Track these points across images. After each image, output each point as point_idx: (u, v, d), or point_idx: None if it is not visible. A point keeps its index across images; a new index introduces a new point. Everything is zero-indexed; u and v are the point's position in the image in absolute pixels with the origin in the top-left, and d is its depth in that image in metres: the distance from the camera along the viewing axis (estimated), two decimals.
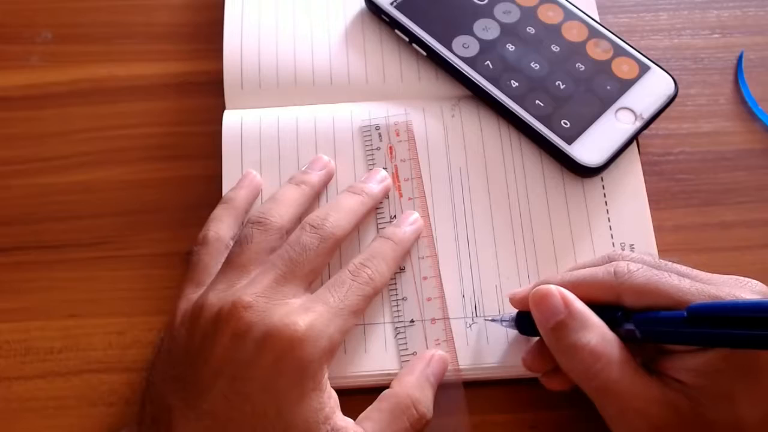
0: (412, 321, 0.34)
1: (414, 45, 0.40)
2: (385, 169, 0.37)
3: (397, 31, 0.40)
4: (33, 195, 0.39)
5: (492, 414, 0.34)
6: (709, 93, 0.42)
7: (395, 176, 0.37)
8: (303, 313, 0.30)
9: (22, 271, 0.37)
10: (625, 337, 0.30)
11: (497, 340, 0.34)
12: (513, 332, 0.34)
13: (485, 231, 0.36)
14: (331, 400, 0.30)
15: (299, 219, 0.35)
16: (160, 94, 0.41)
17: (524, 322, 0.33)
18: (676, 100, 0.39)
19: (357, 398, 0.32)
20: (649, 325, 0.29)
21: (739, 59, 0.42)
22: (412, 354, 0.34)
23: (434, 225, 0.36)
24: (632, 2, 0.44)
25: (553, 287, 0.30)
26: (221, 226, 0.35)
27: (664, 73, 0.39)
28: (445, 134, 0.38)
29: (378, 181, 0.37)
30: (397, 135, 0.38)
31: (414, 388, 0.32)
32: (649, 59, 0.39)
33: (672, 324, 0.28)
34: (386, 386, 0.32)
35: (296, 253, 0.32)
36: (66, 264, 0.37)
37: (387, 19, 0.41)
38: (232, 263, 0.33)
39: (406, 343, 0.34)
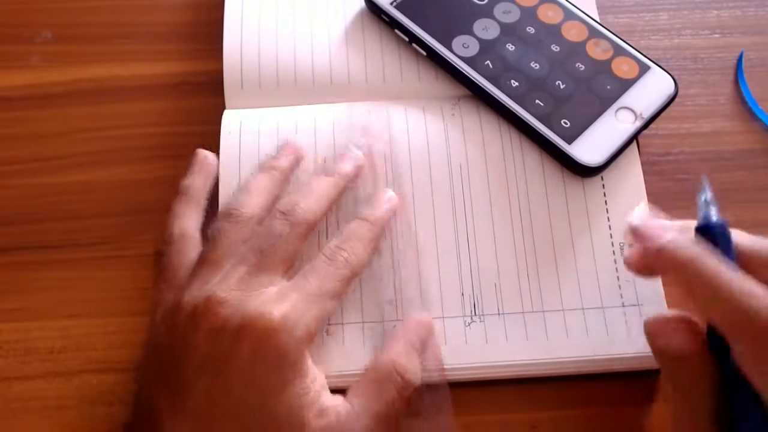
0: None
1: (414, 45, 0.40)
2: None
3: (397, 31, 0.40)
4: (33, 195, 0.39)
5: (492, 414, 0.34)
6: (709, 93, 0.42)
7: (372, 161, 0.37)
8: (278, 302, 0.30)
9: (22, 271, 0.37)
10: None
11: (496, 338, 0.34)
12: (512, 331, 0.34)
13: (485, 230, 0.36)
14: (316, 383, 0.30)
15: (272, 205, 0.34)
16: (160, 94, 0.41)
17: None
18: (676, 100, 0.39)
19: None
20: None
21: (739, 59, 0.42)
22: None
23: (434, 224, 0.36)
24: (632, 2, 0.44)
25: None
26: (183, 221, 0.35)
27: (664, 73, 0.39)
28: (445, 134, 0.38)
29: (350, 160, 0.36)
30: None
31: (398, 355, 0.32)
32: (649, 59, 0.39)
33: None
34: None
35: (267, 242, 0.32)
36: (66, 264, 0.37)
37: (387, 19, 0.41)
38: (205, 260, 0.32)
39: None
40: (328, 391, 0.31)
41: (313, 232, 0.34)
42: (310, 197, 0.34)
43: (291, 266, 0.33)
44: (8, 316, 0.36)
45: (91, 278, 0.37)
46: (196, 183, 0.36)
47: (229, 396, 0.29)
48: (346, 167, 0.36)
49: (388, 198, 0.36)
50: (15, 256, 0.37)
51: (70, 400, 0.34)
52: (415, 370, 0.32)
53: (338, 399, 0.30)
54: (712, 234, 0.29)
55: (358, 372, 0.32)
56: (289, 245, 0.32)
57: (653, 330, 0.29)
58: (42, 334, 0.36)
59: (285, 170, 0.36)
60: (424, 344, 0.33)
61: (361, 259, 0.33)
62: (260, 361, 0.29)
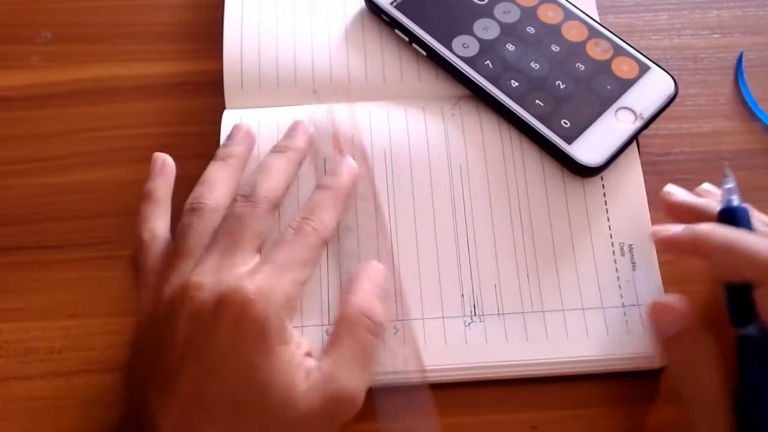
0: None
1: (414, 45, 0.40)
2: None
3: (397, 31, 0.40)
4: (33, 195, 0.39)
5: (492, 414, 0.34)
6: (709, 93, 0.42)
7: (336, 138, 0.38)
8: (251, 276, 0.31)
9: (22, 271, 0.37)
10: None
11: (496, 338, 0.34)
12: (512, 331, 0.34)
13: (485, 230, 0.36)
14: (301, 348, 0.31)
15: (233, 192, 0.35)
16: (160, 94, 0.41)
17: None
18: (676, 100, 0.39)
19: None
20: None
21: (739, 59, 0.42)
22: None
23: (434, 224, 0.36)
24: (632, 2, 0.44)
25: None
26: (152, 224, 0.35)
27: (664, 73, 0.39)
28: (445, 134, 0.38)
29: (301, 132, 0.37)
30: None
31: (360, 301, 0.32)
32: (649, 59, 0.39)
33: None
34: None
35: (233, 225, 0.33)
36: (66, 264, 0.37)
37: (387, 19, 0.41)
38: (177, 253, 0.33)
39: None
40: (312, 356, 0.31)
41: (277, 208, 0.35)
42: (267, 176, 0.35)
43: (261, 245, 0.33)
44: (8, 316, 0.36)
45: (91, 278, 0.37)
46: (159, 185, 0.36)
47: (215, 375, 0.29)
48: (297, 140, 0.37)
49: (348, 165, 0.36)
50: (15, 256, 0.37)
51: (70, 400, 0.34)
52: (379, 312, 0.32)
53: (321, 358, 0.31)
54: (735, 218, 0.32)
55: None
56: (256, 225, 0.33)
57: (652, 310, 0.32)
58: (42, 334, 0.36)
59: (240, 156, 0.36)
60: (381, 287, 0.33)
61: (328, 225, 0.34)
62: (242, 334, 0.29)
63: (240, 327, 0.29)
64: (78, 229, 0.38)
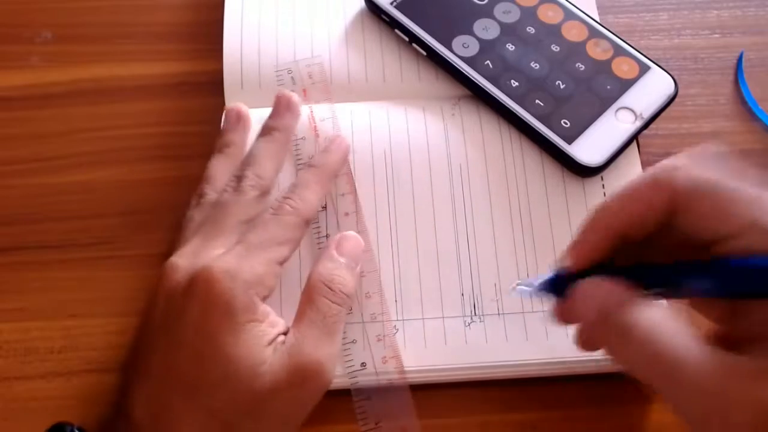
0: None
1: (414, 45, 0.40)
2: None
3: (397, 31, 0.40)
4: (33, 195, 0.39)
5: (492, 414, 0.34)
6: (709, 93, 0.42)
7: (311, 117, 0.38)
8: (222, 257, 0.31)
9: (22, 271, 0.37)
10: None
11: (496, 338, 0.34)
12: (512, 331, 0.34)
13: (485, 230, 0.36)
14: (277, 328, 0.31)
15: None
16: (159, 94, 0.41)
17: (562, 282, 0.28)
18: (676, 100, 0.39)
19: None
20: (729, 274, 0.24)
21: (739, 59, 0.42)
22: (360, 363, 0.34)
23: (434, 224, 0.36)
24: (632, 2, 0.44)
25: (594, 280, 0.26)
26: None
27: (664, 73, 0.39)
28: (445, 134, 0.38)
29: (284, 108, 0.37)
30: (310, 77, 0.39)
31: (321, 270, 0.33)
32: (649, 59, 0.39)
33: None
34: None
35: (217, 213, 0.33)
36: (66, 264, 0.37)
37: (387, 19, 0.41)
38: (176, 242, 0.34)
39: (346, 341, 0.34)
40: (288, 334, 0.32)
41: (268, 193, 0.35)
42: (254, 164, 0.35)
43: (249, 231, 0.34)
44: (8, 316, 0.36)
45: (91, 278, 0.37)
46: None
47: (180, 349, 0.30)
48: (282, 119, 0.37)
49: (339, 143, 0.37)
50: (15, 256, 0.37)
51: (70, 400, 0.34)
52: (343, 280, 0.33)
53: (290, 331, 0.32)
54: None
55: (359, 370, 0.33)
56: (240, 211, 0.33)
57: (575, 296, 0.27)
58: (42, 334, 0.36)
59: (237, 142, 0.37)
60: (350, 254, 0.34)
61: (309, 202, 0.34)
62: (210, 311, 0.30)
63: (206, 305, 0.30)
64: (78, 229, 0.38)
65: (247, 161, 0.35)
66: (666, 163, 0.26)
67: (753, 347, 0.23)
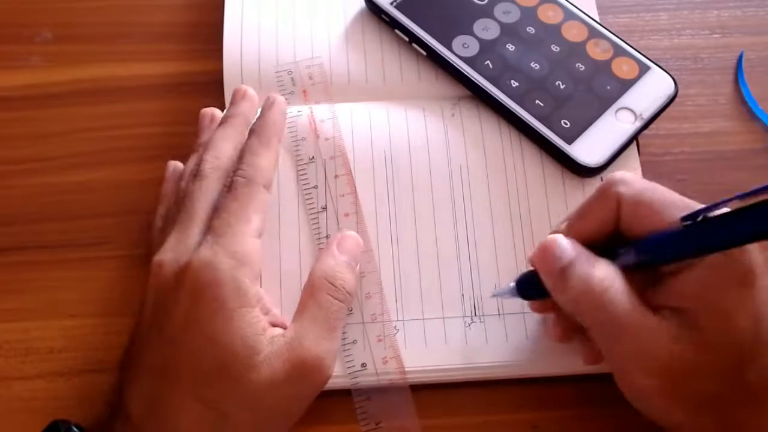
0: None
1: (414, 45, 0.40)
2: (300, 112, 0.38)
3: (397, 31, 0.40)
4: (33, 195, 0.39)
5: (492, 414, 0.34)
6: (709, 93, 0.42)
7: (311, 118, 0.38)
8: (198, 248, 0.31)
9: (22, 271, 0.37)
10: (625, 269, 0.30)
11: (496, 338, 0.34)
12: (512, 331, 0.34)
13: (485, 230, 0.36)
14: (269, 315, 0.31)
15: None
16: (159, 94, 0.41)
17: (526, 284, 0.32)
18: (676, 100, 0.39)
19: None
20: (646, 246, 0.29)
21: (739, 59, 0.42)
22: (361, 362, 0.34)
23: (434, 224, 0.36)
24: (632, 2, 0.44)
25: (554, 236, 0.30)
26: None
27: (664, 73, 0.39)
28: (445, 134, 0.38)
29: (239, 98, 0.37)
30: (310, 78, 0.39)
31: (324, 267, 0.33)
32: (649, 59, 0.39)
33: (671, 238, 0.28)
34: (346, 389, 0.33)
35: (185, 202, 0.33)
36: (66, 264, 0.37)
37: (387, 19, 0.41)
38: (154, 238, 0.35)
39: (347, 342, 0.34)
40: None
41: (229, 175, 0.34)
42: (212, 149, 0.35)
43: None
44: (8, 316, 0.36)
45: (91, 278, 0.37)
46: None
47: (176, 346, 0.30)
48: (237, 107, 0.37)
49: (270, 101, 0.37)
50: (15, 256, 0.37)
51: (70, 400, 0.34)
52: (345, 276, 0.33)
53: (288, 326, 0.32)
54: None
55: (360, 370, 0.33)
56: (206, 196, 0.33)
57: (534, 257, 0.31)
58: (42, 334, 0.36)
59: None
60: (350, 252, 0.34)
61: (259, 167, 0.34)
62: (198, 300, 0.30)
63: (195, 295, 0.30)
64: (78, 229, 0.38)
65: (205, 148, 0.35)
66: (610, 178, 0.30)
67: (662, 313, 0.28)
